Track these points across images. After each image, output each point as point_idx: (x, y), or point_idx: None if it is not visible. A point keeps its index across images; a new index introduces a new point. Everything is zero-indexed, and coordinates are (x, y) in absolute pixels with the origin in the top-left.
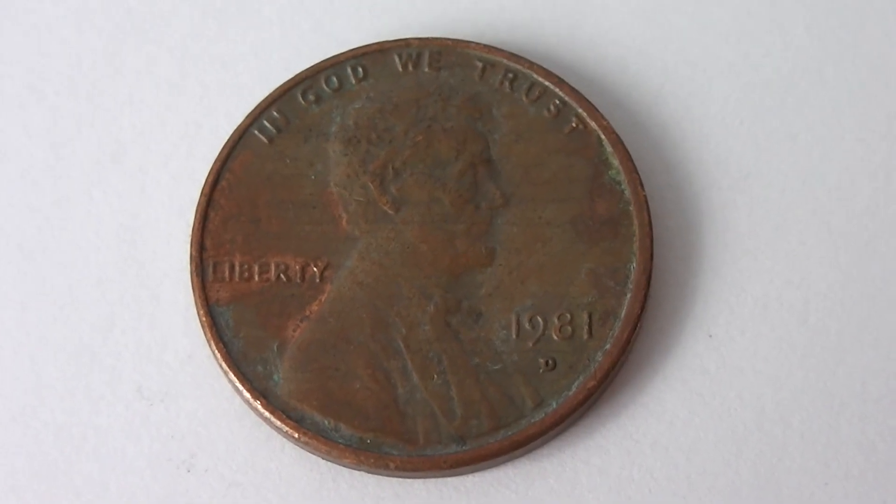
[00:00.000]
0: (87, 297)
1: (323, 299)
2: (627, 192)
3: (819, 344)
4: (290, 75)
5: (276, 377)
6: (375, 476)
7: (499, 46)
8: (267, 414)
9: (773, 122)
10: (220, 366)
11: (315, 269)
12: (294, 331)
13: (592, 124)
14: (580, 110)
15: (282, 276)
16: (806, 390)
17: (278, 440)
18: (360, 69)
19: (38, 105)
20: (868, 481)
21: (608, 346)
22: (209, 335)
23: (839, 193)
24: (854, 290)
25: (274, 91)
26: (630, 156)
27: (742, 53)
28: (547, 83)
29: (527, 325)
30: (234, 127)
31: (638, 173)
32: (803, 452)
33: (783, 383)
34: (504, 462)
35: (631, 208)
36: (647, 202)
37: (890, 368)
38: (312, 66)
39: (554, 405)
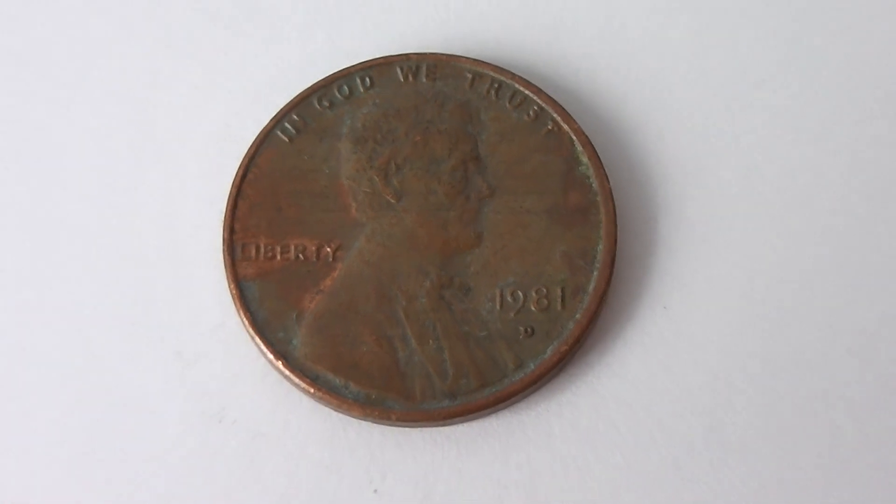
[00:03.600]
0: (134, 274)
1: (335, 275)
2: (595, 185)
3: (759, 315)
4: (308, 84)
5: (294, 342)
6: (379, 426)
7: (486, 60)
8: (287, 373)
9: (721, 125)
10: (247, 332)
11: (328, 249)
12: (310, 302)
13: (565, 127)
14: (555, 115)
15: (300, 255)
16: (748, 355)
17: (296, 395)
18: (367, 79)
19: (94, 113)
20: (799, 432)
21: (578, 317)
22: (238, 306)
23: (777, 186)
24: (789, 268)
25: (294, 98)
26: (597, 154)
27: (695, 67)
28: (527, 92)
29: (509, 299)
30: (260, 129)
31: (604, 169)
32: (746, 408)
33: (728, 349)
34: (489, 415)
35: (598, 199)
36: (612, 194)
37: (818, 336)
38: (326, 77)
39: (532, 367)
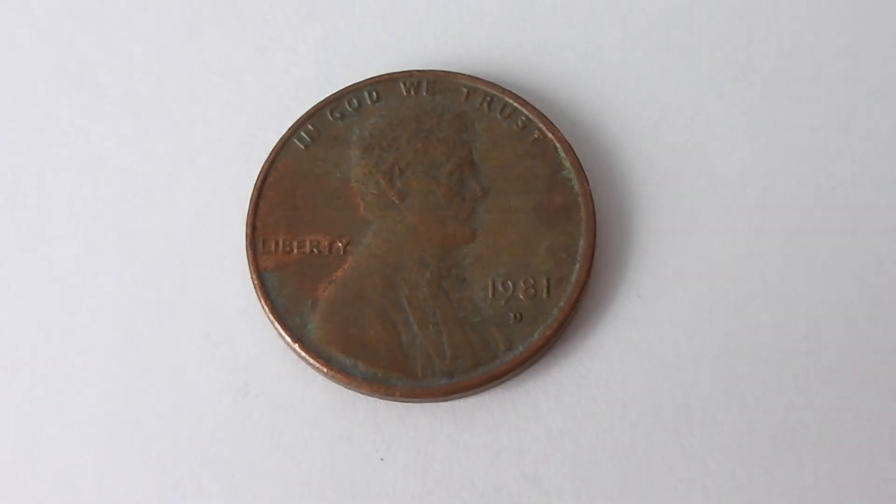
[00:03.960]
0: (168, 266)
1: (345, 267)
2: (576, 187)
3: (722, 302)
4: (321, 98)
5: (309, 326)
6: (385, 401)
7: (479, 77)
8: (303, 354)
9: (687, 134)
10: (268, 317)
11: (339, 244)
12: (323, 291)
13: (550, 136)
14: (541, 125)
15: (314, 249)
16: (712, 338)
17: (311, 374)
18: (374, 93)
19: (137, 126)
20: (756, 407)
21: (562, 304)
22: (259, 294)
23: (737, 187)
24: (749, 261)
25: (309, 110)
26: (579, 159)
27: (663, 83)
28: (516, 104)
29: (500, 288)
30: (279, 137)
31: (584, 173)
32: (709, 384)
33: (694, 332)
34: (482, 391)
35: (579, 199)
36: (591, 195)
37: (773, 321)
38: (338, 91)
39: (521, 349)
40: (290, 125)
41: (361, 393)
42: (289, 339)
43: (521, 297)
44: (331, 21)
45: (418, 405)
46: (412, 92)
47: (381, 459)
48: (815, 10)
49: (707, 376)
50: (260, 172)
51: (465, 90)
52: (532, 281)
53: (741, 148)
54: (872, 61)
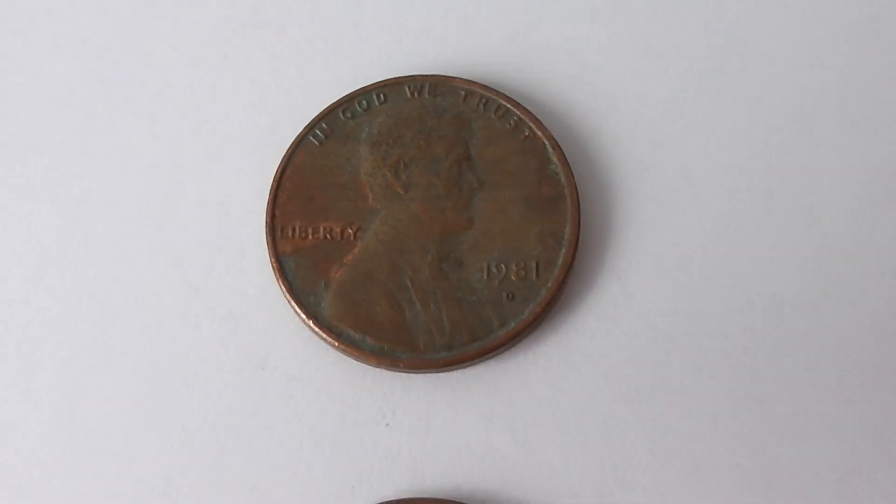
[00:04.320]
0: (196, 251)
1: (355, 251)
2: (563, 180)
3: (691, 282)
4: (334, 99)
5: (322, 304)
6: (390, 372)
7: (476, 81)
8: (316, 329)
9: (662, 132)
10: (285, 297)
11: (350, 231)
12: (335, 273)
13: (539, 133)
14: (531, 124)
15: (327, 235)
16: (684, 314)
17: (324, 347)
18: (381, 95)
19: (165, 122)
20: (722, 375)
21: (550, 284)
22: (278, 276)
23: (706, 179)
24: (716, 245)
25: (323, 110)
26: (565, 155)
27: (641, 86)
28: (508, 106)
29: (494, 270)
30: (296, 134)
31: (570, 167)
32: (680, 355)
33: (668, 310)
34: (478, 363)
35: (565, 191)
36: (576, 187)
37: (736, 299)
38: (349, 94)
39: (512, 325)
40: (305, 124)
41: (369, 365)
42: (304, 316)
43: (513, 278)
44: (342, 31)
45: (420, 376)
46: (415, 94)
47: (387, 425)
48: (779, 19)
49: (679, 349)
50: (279, 166)
51: (462, 93)
52: (523, 264)
53: (711, 144)
54: (832, 64)
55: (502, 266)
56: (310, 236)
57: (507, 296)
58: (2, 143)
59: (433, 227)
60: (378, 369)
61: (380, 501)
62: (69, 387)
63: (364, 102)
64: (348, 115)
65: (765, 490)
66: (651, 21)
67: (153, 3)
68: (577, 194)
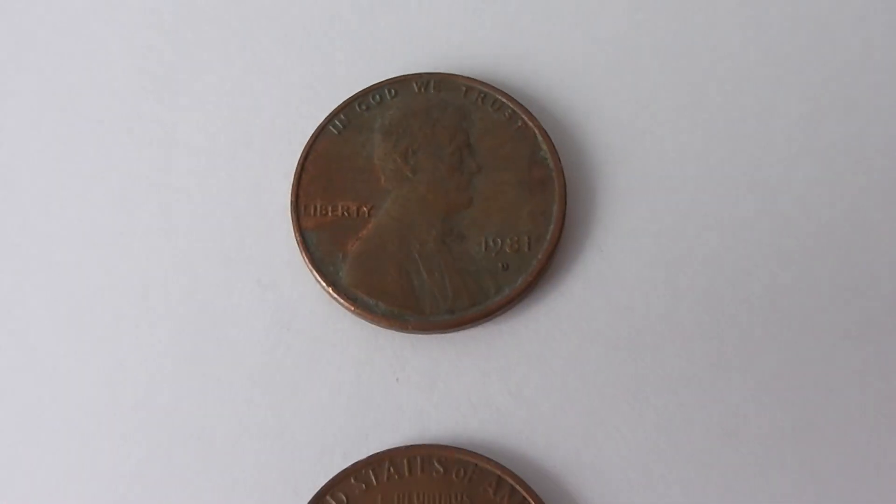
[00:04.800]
0: (229, 225)
1: (369, 227)
2: (551, 164)
3: (666, 255)
4: (351, 94)
5: (341, 273)
6: (400, 333)
7: (475, 77)
8: (335, 295)
9: (641, 122)
10: (308, 266)
11: (365, 209)
12: (352, 246)
13: (530, 124)
14: (523, 116)
15: (345, 213)
16: (658, 282)
17: (341, 311)
18: (392, 90)
19: (202, 112)
20: (696, 338)
21: (539, 256)
22: (301, 248)
23: (680, 164)
24: (688, 223)
25: (341, 103)
26: (553, 143)
27: (622, 81)
28: (503, 100)
29: (491, 244)
30: (317, 125)
31: (557, 153)
32: (656, 320)
33: (645, 278)
34: (476, 325)
35: (553, 174)
36: (563, 171)
37: (707, 270)
38: (364, 89)
39: (507, 291)
40: (326, 115)
41: (381, 327)
42: (324, 284)
43: (508, 251)
44: (358, 34)
45: (426, 336)
46: (422, 89)
47: (397, 380)
48: (744, 21)
49: (655, 314)
50: (302, 152)
51: (463, 88)
52: (516, 238)
53: (682, 133)
54: (791, 61)
55: (498, 240)
56: (329, 214)
57: (502, 266)
58: (62, 129)
59: (437, 206)
60: (389, 331)
61: (390, 447)
62: (120, 346)
63: (377, 96)
64: (363, 107)
65: (727, 436)
66: (628, 27)
67: (197, 14)
68: (564, 177)
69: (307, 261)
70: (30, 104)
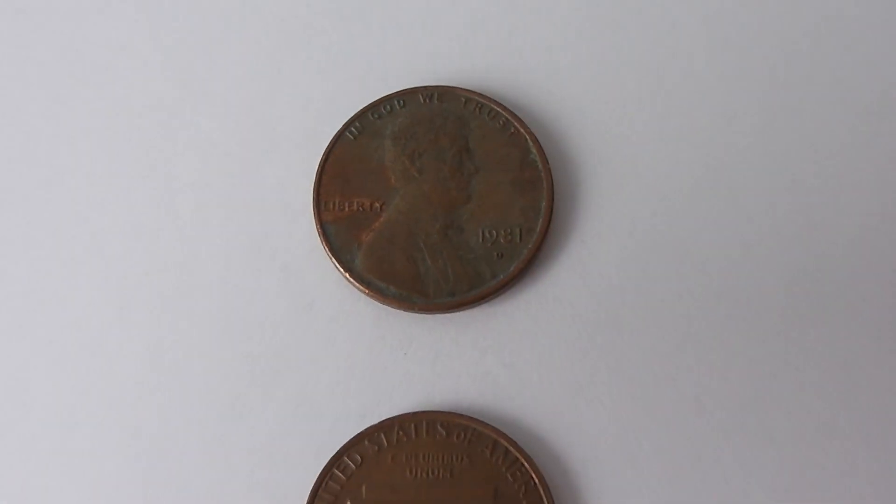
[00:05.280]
0: (259, 219)
1: (381, 220)
2: (540, 166)
3: (640, 246)
4: (365, 104)
5: (356, 261)
6: (408, 313)
7: (473, 90)
8: (351, 280)
9: (618, 129)
10: (327, 254)
11: (377, 204)
12: (366, 237)
13: (522, 131)
14: (515, 124)
15: (360, 208)
16: (633, 270)
17: (357, 294)
18: (401, 101)
19: (233, 120)
20: (668, 316)
21: (530, 246)
22: (322, 238)
23: (651, 166)
24: (658, 216)
25: (356, 113)
26: (542, 147)
27: (603, 93)
28: (498, 109)
29: (487, 235)
30: (335, 131)
31: (546, 156)
32: (632, 302)
33: (620, 265)
34: (475, 306)
35: (542, 175)
36: (550, 172)
37: (677, 256)
38: (376, 100)
39: (501, 277)
40: (343, 123)
41: (391, 307)
42: (341, 270)
43: (502, 241)
44: (371, 52)
45: (431, 316)
46: (427, 101)
47: (405, 354)
48: (705, 49)
49: (629, 295)
50: (322, 155)
51: (463, 99)
52: (509, 230)
53: (654, 138)
54: (745, 78)
55: (493, 232)
56: (346, 209)
57: (497, 255)
58: (113, 135)
59: (440, 202)
60: (398, 311)
61: (399, 413)
62: (163, 323)
63: (388, 107)
64: (376, 116)
65: (692, 402)
66: (608, 48)
67: (233, 36)
68: (551, 178)
69: (327, 250)
70: (84, 115)
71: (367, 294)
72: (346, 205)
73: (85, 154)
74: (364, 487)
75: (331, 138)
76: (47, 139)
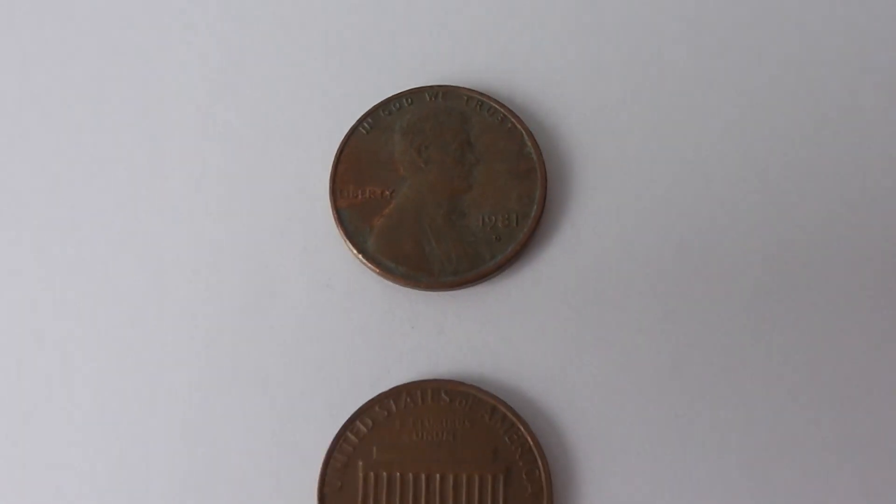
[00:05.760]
0: (281, 206)
1: (391, 207)
2: (535, 158)
3: (625, 230)
4: (377, 101)
5: (368, 243)
6: (415, 291)
7: (474, 89)
8: (364, 261)
9: (605, 124)
10: (342, 237)
11: (387, 192)
12: (377, 221)
13: (518, 126)
14: (512, 119)
15: (372, 195)
16: (617, 250)
17: (369, 273)
18: (409, 99)
19: (258, 115)
20: (650, 296)
21: (525, 230)
22: (337, 223)
23: (636, 158)
24: (641, 203)
25: (368, 110)
26: (536, 141)
27: (591, 91)
28: (497, 106)
29: (487, 220)
30: (350, 126)
31: (539, 149)
32: (616, 280)
33: (606, 247)
34: (475, 285)
35: (536, 166)
36: (544, 163)
37: (657, 241)
38: (386, 98)
39: (499, 258)
40: (357, 119)
41: (399, 285)
42: (355, 251)
43: (500, 225)
44: (382, 55)
45: (435, 293)
46: (432, 99)
47: (412, 327)
48: (684, 45)
49: (615, 275)
50: (338, 148)
51: (465, 97)
52: (506, 216)
53: (638, 132)
54: (722, 73)
55: (492, 217)
56: (359, 196)
57: (496, 238)
58: (153, 131)
59: (444, 190)
60: (406, 288)
61: (406, 381)
62: (194, 299)
63: (397, 104)
64: (386, 112)
65: (671, 369)
66: (598, 50)
67: (260, 39)
68: (545, 168)
69: (342, 233)
70: (127, 111)
71: (378, 273)
72: (360, 192)
73: (128, 146)
74: (375, 448)
75: (346, 132)
76: (94, 133)
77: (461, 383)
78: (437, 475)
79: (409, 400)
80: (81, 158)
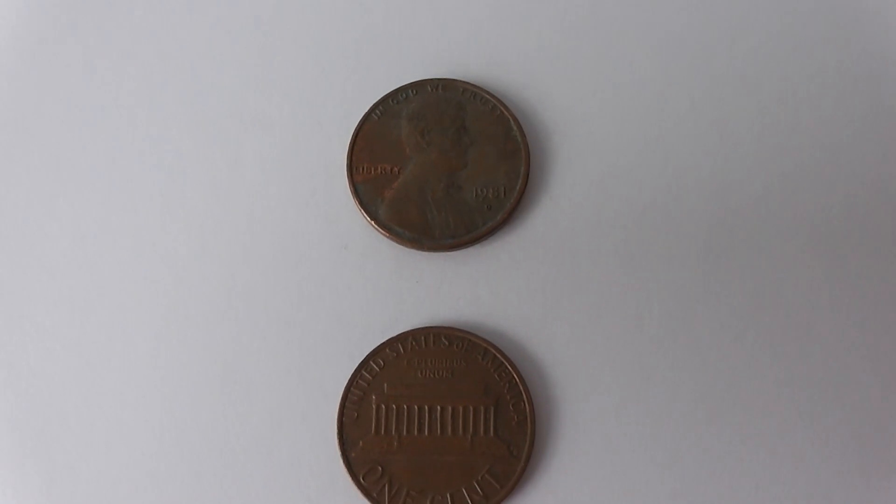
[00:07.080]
0: (305, 181)
1: (399, 181)
2: (520, 140)
3: (595, 202)
4: (386, 92)
5: (380, 211)
6: (419, 252)
7: (469, 82)
8: (375, 226)
9: (582, 111)
10: (357, 206)
11: (396, 169)
12: (387, 193)
13: (506, 113)
14: (501, 108)
15: (383, 171)
16: (591, 218)
17: (380, 237)
18: (414, 90)
19: (283, 106)
20: (620, 255)
21: (511, 201)
22: (353, 195)
23: (608, 143)
24: (612, 180)
25: (379, 99)
26: (521, 125)
27: (571, 83)
28: (488, 97)
29: (480, 192)
30: (363, 113)
31: (524, 134)
32: (593, 249)
33: (582, 216)
34: (470, 247)
35: (521, 147)
36: (528, 145)
37: (631, 214)
38: (394, 89)
39: (490, 224)
40: (369, 107)
41: (406, 248)
42: (368, 218)
43: (491, 197)
44: (391, 52)
45: (436, 254)
46: (434, 90)
47: (417, 282)
48: (646, 44)
49: (587, 238)
50: (354, 130)
51: (461, 89)
52: (496, 189)
53: (605, 118)
54: (680, 63)
55: (484, 190)
56: (372, 172)
57: (487, 207)
58: (185, 119)
59: (443, 168)
60: (411, 250)
61: (412, 328)
62: (232, 259)
63: (403, 94)
64: (395, 101)
65: (636, 319)
66: (574, 46)
67: (287, 35)
68: (528, 149)
69: (357, 203)
70: (169, 99)
71: (388, 237)
72: (373, 169)
73: (178, 130)
74: (385, 385)
75: (360, 118)
76: (150, 122)
77: (458, 329)
78: (438, 407)
79: (414, 343)
80: (135, 143)
